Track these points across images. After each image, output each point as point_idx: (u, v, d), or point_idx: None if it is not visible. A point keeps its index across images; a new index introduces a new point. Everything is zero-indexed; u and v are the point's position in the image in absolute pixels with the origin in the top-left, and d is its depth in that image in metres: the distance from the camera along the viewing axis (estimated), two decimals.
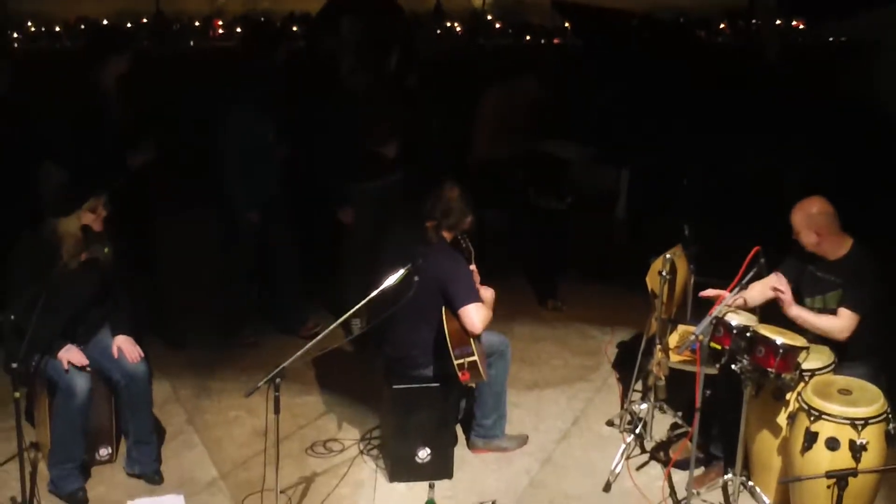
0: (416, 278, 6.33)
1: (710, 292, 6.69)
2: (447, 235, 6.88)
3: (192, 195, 9.79)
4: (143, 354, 6.76)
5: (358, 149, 8.56)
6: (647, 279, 7.29)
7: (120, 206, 7.13)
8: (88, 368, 6.52)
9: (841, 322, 6.50)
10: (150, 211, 8.52)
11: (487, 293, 6.93)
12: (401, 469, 6.90)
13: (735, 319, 6.30)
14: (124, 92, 8.15)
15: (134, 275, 8.13)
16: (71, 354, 6.46)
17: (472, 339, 6.58)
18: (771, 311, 6.81)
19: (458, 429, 7.38)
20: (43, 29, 11.88)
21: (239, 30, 12.25)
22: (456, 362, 6.54)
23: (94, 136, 7.89)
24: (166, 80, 10.90)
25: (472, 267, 7.01)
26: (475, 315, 6.58)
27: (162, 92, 9.94)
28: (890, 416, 6.07)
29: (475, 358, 6.54)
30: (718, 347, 6.24)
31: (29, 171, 8.15)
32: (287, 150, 8.66)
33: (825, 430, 5.98)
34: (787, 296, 6.60)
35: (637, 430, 7.31)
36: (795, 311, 6.57)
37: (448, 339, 6.54)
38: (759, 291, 6.77)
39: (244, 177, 8.33)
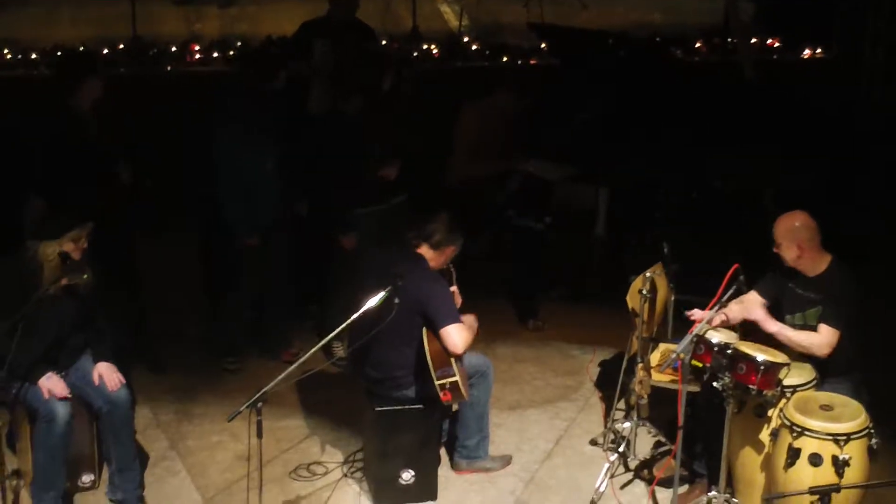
0: (397, 300, 6.33)
1: (696, 314, 6.70)
2: (430, 256, 6.88)
3: (175, 217, 9.78)
4: (123, 381, 6.72)
5: (359, 173, 8.55)
6: (628, 298, 7.30)
7: (101, 230, 7.16)
8: (69, 395, 6.49)
9: (820, 338, 6.52)
10: (130, 234, 8.50)
11: (469, 319, 6.92)
12: (385, 491, 6.89)
13: (716, 337, 6.32)
14: (100, 114, 8.15)
15: (115, 299, 8.14)
16: (52, 383, 6.42)
17: (453, 360, 6.59)
18: (752, 327, 6.83)
19: (442, 450, 7.37)
20: (19, 56, 11.83)
21: (216, 54, 12.25)
22: (437, 383, 6.54)
23: (72, 161, 7.88)
24: (146, 103, 10.90)
25: (454, 288, 7.02)
26: (456, 335, 6.58)
27: (142, 115, 9.93)
28: (872, 431, 6.09)
29: (457, 378, 6.55)
30: (700, 365, 6.26)
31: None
32: (287, 176, 8.59)
33: (808, 446, 5.99)
34: (760, 314, 6.64)
35: (620, 449, 7.31)
36: (775, 328, 6.60)
37: (429, 361, 6.54)
38: (739, 309, 6.79)
39: (244, 202, 8.32)
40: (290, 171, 8.55)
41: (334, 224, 8.66)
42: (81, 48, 11.99)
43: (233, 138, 8.31)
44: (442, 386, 6.56)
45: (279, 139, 8.47)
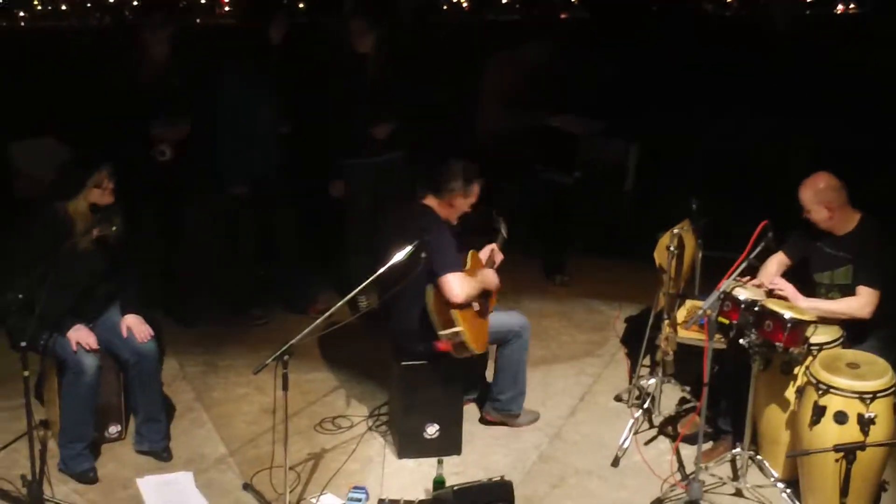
0: (424, 255, 6.31)
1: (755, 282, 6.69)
2: (436, 206, 6.86)
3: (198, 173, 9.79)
4: (152, 333, 6.75)
5: (351, 126, 8.54)
6: (655, 254, 7.28)
7: (133, 186, 7.25)
8: (98, 347, 6.52)
9: (860, 300, 6.47)
10: (160, 189, 8.53)
11: (486, 273, 6.89)
12: (409, 445, 6.91)
13: (743, 294, 6.29)
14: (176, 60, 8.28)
15: (144, 252, 8.21)
16: (80, 335, 6.45)
17: (456, 312, 6.56)
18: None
19: (470, 405, 7.38)
20: (49, 8, 11.84)
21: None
22: (440, 333, 6.51)
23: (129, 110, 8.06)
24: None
25: (493, 247, 7.01)
26: (454, 283, 6.51)
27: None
28: None
29: (459, 329, 6.51)
30: (726, 322, 6.24)
31: None
32: (287, 127, 8.61)
33: (833, 403, 5.96)
34: (790, 292, 6.60)
35: (645, 405, 7.31)
36: (806, 304, 6.53)
37: (430, 310, 6.52)
38: (775, 267, 6.78)
39: (230, 150, 8.40)
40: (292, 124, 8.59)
41: (323, 172, 8.71)
42: None
43: (223, 86, 8.34)
44: (443, 336, 6.53)
45: (276, 91, 8.47)
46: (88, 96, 8.35)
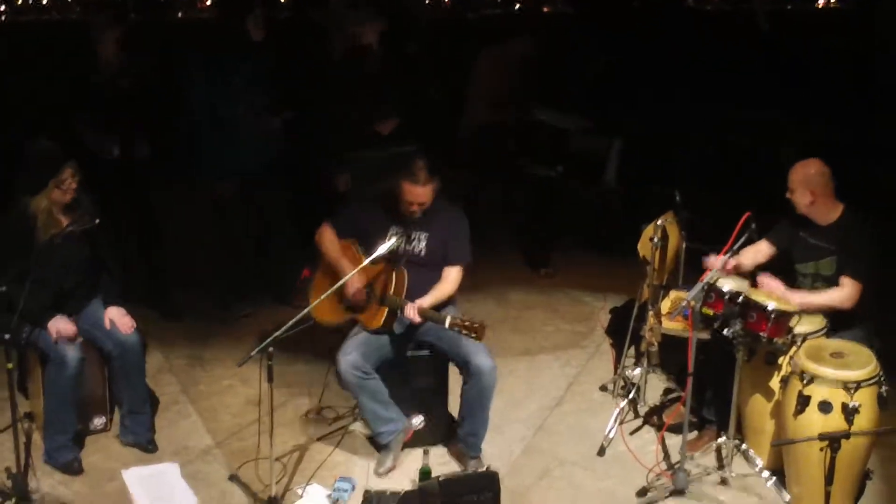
0: (406, 246, 6.35)
1: (710, 260, 6.66)
2: None
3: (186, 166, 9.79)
4: (135, 325, 6.75)
5: (351, 118, 8.52)
6: (639, 246, 7.30)
7: (117, 179, 7.19)
8: (80, 338, 6.51)
9: (845, 291, 6.47)
10: (145, 183, 8.51)
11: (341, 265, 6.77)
12: None
13: (727, 285, 6.31)
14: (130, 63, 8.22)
15: (128, 245, 8.19)
16: (59, 325, 6.42)
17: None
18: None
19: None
20: (30, 1, 11.81)
21: None
22: None
23: (90, 106, 8.04)
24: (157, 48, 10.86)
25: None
26: (322, 226, 6.87)
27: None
28: (882, 378, 6.08)
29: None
30: (710, 313, 6.25)
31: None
32: (268, 123, 8.54)
33: (818, 393, 5.99)
34: (779, 289, 6.60)
35: (630, 396, 7.33)
36: (798, 299, 6.54)
37: None
38: (751, 256, 6.78)
39: (208, 146, 8.37)
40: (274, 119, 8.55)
41: (327, 164, 8.68)
42: None
43: (195, 83, 8.31)
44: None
45: (257, 86, 8.43)
46: (54, 93, 8.32)
